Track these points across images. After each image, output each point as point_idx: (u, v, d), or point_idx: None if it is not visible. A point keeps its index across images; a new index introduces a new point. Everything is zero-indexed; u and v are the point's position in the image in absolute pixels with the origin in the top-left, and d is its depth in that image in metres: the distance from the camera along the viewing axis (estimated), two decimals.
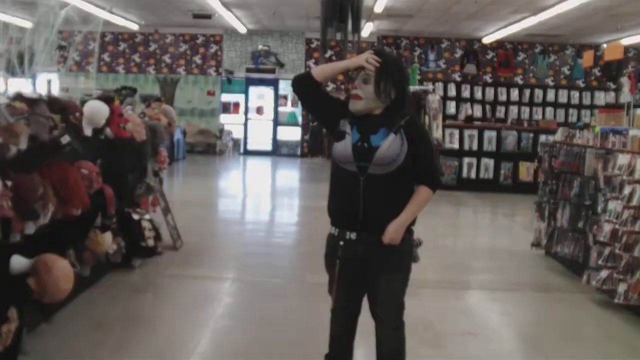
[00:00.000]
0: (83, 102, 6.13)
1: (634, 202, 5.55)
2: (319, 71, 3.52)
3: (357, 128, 3.42)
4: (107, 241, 5.77)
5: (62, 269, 4.36)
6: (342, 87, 20.05)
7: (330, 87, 20.24)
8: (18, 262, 4.19)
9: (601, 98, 18.97)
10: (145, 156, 6.95)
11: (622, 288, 5.65)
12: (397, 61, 3.52)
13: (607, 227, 5.94)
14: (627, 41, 16.59)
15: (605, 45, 17.01)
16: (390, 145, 3.34)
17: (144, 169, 6.96)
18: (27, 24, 6.16)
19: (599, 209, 6.26)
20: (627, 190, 5.69)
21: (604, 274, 5.96)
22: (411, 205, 3.43)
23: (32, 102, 4.85)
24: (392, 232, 3.37)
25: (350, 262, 3.44)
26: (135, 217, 6.76)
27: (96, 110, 5.95)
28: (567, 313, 6.06)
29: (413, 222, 3.49)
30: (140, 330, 5.07)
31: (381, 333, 3.52)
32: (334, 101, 3.65)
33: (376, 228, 3.38)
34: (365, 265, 3.44)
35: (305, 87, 3.54)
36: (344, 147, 3.39)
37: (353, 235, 3.41)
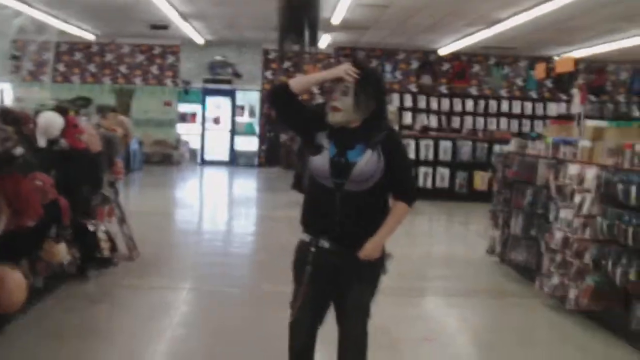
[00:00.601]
0: (37, 113, 6.08)
1: (584, 211, 5.69)
2: (296, 83, 3.45)
3: (334, 142, 3.38)
4: (62, 252, 5.71)
5: (15, 280, 4.32)
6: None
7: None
8: None
9: (553, 109, 19.35)
10: (101, 167, 6.90)
11: (572, 294, 5.77)
12: (375, 73, 3.56)
13: (558, 235, 6.08)
14: (578, 54, 16.99)
15: (557, 58, 17.40)
16: (367, 162, 3.32)
17: (99, 179, 6.90)
18: None
19: (551, 217, 6.40)
20: (577, 199, 5.83)
21: (555, 280, 6.09)
22: (389, 222, 3.44)
23: None
24: (370, 249, 3.39)
25: (322, 268, 3.40)
26: (91, 228, 6.69)
27: (51, 121, 5.91)
28: (522, 318, 6.18)
29: None
30: (97, 341, 5.02)
31: (347, 343, 3.48)
32: (310, 113, 3.57)
33: (351, 242, 3.37)
34: (336, 273, 3.42)
35: (282, 98, 3.45)
36: (321, 161, 3.36)
37: (326, 244, 3.39)
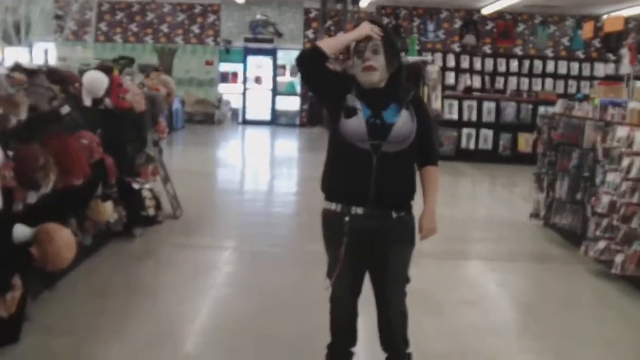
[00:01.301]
0: (81, 73, 6.13)
1: (633, 175, 5.58)
2: (326, 45, 3.36)
3: (365, 104, 3.31)
4: (109, 211, 5.80)
5: (64, 238, 4.39)
6: (340, 59, 19.95)
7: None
8: (21, 231, 4.22)
9: (601, 70, 18.90)
10: (145, 126, 6.96)
11: (619, 259, 5.69)
12: (392, 30, 3.49)
13: (605, 199, 5.97)
14: (628, 12, 16.49)
15: (605, 17, 16.91)
16: (404, 123, 3.29)
17: (144, 139, 6.97)
18: None
19: (598, 181, 6.29)
20: (625, 162, 5.71)
21: (602, 245, 6.00)
22: (432, 190, 3.43)
23: (32, 73, 4.86)
24: (428, 225, 3.40)
25: (358, 237, 3.31)
26: (136, 186, 6.79)
27: (96, 81, 5.96)
28: (565, 283, 6.13)
29: (414, 196, 3.44)
30: (142, 298, 5.12)
31: (391, 312, 3.45)
32: (338, 76, 3.52)
33: (387, 203, 3.32)
34: (374, 239, 3.35)
35: (313, 61, 3.35)
36: (357, 124, 3.27)
37: (360, 210, 3.31)
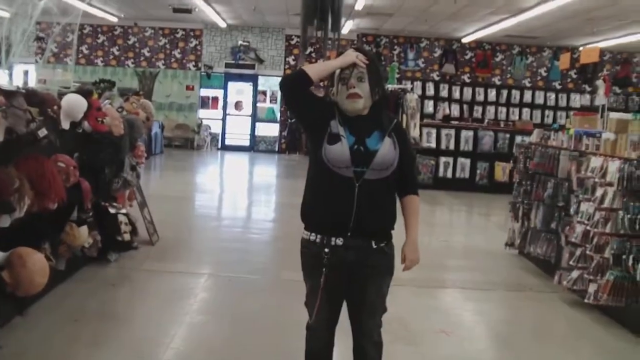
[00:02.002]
0: (60, 95, 6.11)
1: (606, 204, 5.65)
2: (313, 70, 3.31)
3: (349, 130, 3.29)
4: (83, 235, 5.76)
5: (37, 263, 4.35)
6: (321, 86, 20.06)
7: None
8: None
9: (577, 100, 19.18)
10: (123, 150, 6.93)
11: (592, 288, 5.74)
12: (376, 58, 3.51)
13: (579, 228, 6.04)
14: (603, 44, 16.79)
15: (582, 48, 17.20)
16: (387, 150, 3.28)
17: (121, 163, 6.94)
18: (5, 14, 6.13)
19: (572, 210, 6.36)
20: (599, 192, 5.78)
21: (575, 274, 6.06)
22: (413, 220, 3.44)
23: (9, 95, 4.83)
24: (411, 255, 3.40)
25: (338, 269, 3.29)
26: (112, 211, 6.75)
27: (74, 104, 5.94)
28: (539, 312, 6.16)
29: (394, 226, 3.43)
30: (117, 324, 5.07)
31: (366, 341, 3.43)
32: (320, 101, 3.47)
33: (367, 233, 3.29)
34: (353, 269, 3.32)
35: (298, 85, 3.31)
36: (340, 151, 3.24)
37: (339, 241, 3.28)
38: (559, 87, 19.57)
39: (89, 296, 5.67)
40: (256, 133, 21.04)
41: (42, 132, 5.00)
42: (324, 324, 3.44)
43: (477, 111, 18.96)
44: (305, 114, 3.43)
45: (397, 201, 3.46)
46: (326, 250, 3.27)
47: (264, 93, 21.05)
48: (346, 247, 3.27)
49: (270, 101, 21.01)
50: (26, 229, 4.60)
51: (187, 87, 20.55)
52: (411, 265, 3.42)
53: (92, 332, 4.85)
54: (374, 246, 3.32)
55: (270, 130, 21.06)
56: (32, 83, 10.42)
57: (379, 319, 3.45)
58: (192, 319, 5.31)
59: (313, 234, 3.33)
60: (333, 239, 3.27)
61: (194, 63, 20.52)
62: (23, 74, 16.42)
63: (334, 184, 3.26)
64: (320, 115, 3.34)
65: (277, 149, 20.81)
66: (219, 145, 20.99)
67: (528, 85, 19.56)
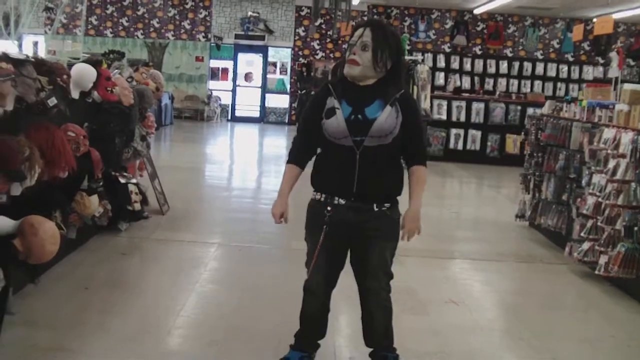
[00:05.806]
0: (70, 66, 6.09)
1: (618, 176, 5.60)
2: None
3: (346, 101, 3.39)
4: (94, 204, 5.77)
5: (48, 231, 4.36)
6: (332, 56, 19.96)
7: (320, 55, 20.14)
8: (4, 223, 4.19)
9: (589, 72, 19.00)
10: (133, 120, 6.92)
11: (603, 260, 5.72)
12: (395, 34, 3.50)
13: (590, 200, 6.01)
14: (617, 16, 16.56)
15: (595, 20, 16.99)
16: (387, 117, 3.34)
17: (131, 133, 6.94)
18: None
19: (583, 182, 6.32)
20: (611, 164, 5.74)
21: (586, 245, 6.04)
22: (417, 190, 3.46)
23: (19, 63, 4.80)
24: (410, 222, 3.41)
25: (338, 227, 3.39)
26: (122, 180, 6.75)
27: (84, 73, 5.93)
28: (549, 283, 6.15)
29: (400, 192, 3.51)
30: (126, 292, 5.10)
31: (372, 304, 3.49)
32: (317, 102, 3.51)
33: (370, 196, 3.39)
34: (354, 230, 3.41)
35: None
36: (335, 123, 3.36)
37: (342, 201, 3.40)
38: (571, 59, 19.39)
39: (99, 265, 5.70)
40: (266, 104, 20.99)
41: (52, 101, 4.99)
42: (321, 286, 3.52)
43: (489, 83, 18.83)
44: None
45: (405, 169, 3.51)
46: (328, 208, 3.41)
47: (274, 64, 20.96)
48: (348, 207, 3.39)
49: (280, 72, 20.93)
50: (37, 198, 4.61)
51: (197, 59, 20.48)
52: (410, 233, 3.43)
53: (103, 300, 4.88)
54: (375, 209, 3.40)
55: (280, 101, 21.00)
56: (41, 54, 10.41)
57: (384, 283, 3.49)
58: (202, 287, 5.34)
59: (319, 193, 3.50)
60: (336, 198, 3.41)
61: (203, 34, 20.42)
62: (32, 45, 16.41)
63: (336, 152, 3.41)
64: (321, 112, 3.45)
65: (287, 121, 20.77)
66: (229, 117, 20.97)
67: (540, 57, 19.38)
